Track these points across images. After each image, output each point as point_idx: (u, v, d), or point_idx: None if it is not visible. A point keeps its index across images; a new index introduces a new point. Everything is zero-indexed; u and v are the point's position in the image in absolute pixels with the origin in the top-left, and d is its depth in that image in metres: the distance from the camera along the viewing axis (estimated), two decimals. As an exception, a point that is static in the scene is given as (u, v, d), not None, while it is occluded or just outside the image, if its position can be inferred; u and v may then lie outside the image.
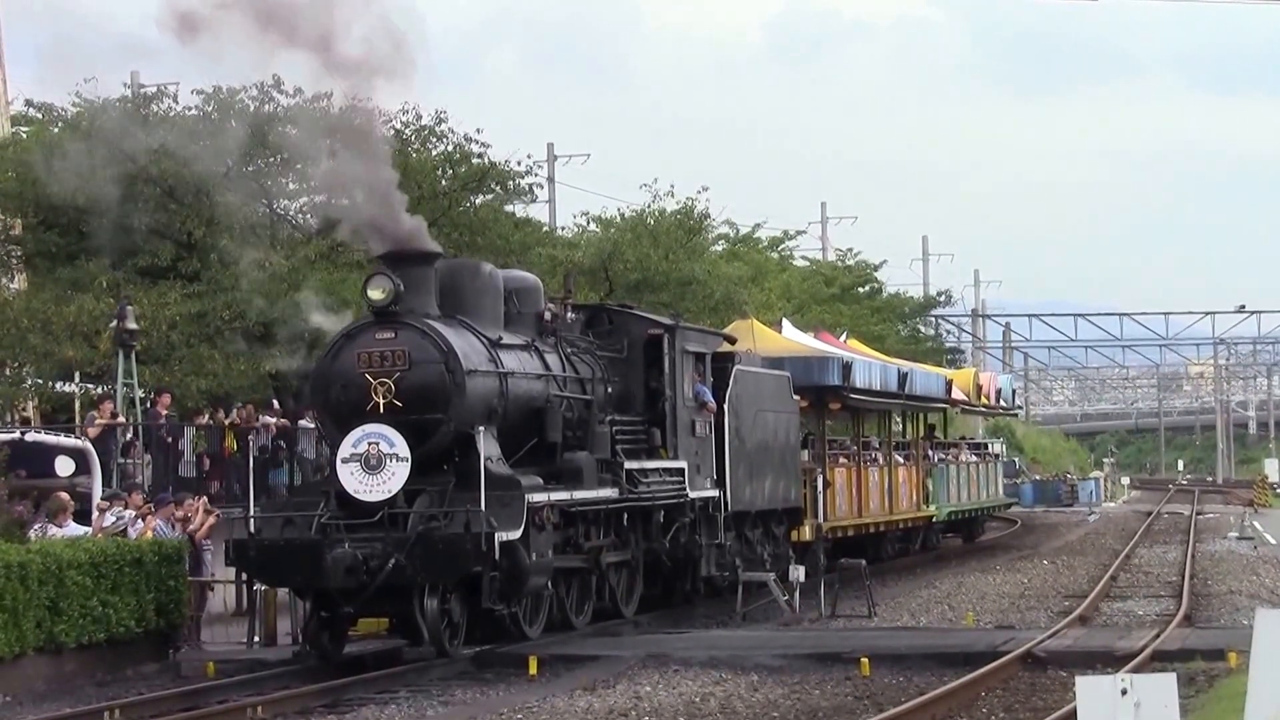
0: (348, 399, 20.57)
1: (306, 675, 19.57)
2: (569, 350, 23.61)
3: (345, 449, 20.03)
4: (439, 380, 20.46)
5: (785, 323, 38.59)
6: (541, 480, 21.29)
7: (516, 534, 19.90)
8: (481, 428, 20.25)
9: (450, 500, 20.07)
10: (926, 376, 40.83)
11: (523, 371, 22.06)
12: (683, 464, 24.83)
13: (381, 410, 20.27)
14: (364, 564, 19.43)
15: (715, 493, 25.81)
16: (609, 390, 24.19)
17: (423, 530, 19.75)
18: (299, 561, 19.87)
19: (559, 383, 22.87)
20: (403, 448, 19.92)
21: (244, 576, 21.75)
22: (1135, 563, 37.13)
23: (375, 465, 19.93)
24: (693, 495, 24.98)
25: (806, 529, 30.36)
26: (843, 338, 42.27)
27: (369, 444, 19.96)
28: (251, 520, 20.80)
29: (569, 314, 24.57)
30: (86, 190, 30.59)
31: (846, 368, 33.46)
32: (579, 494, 21.92)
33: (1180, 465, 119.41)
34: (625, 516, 23.56)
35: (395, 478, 19.92)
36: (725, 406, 26.34)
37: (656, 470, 24.20)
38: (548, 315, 23.44)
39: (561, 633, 22.03)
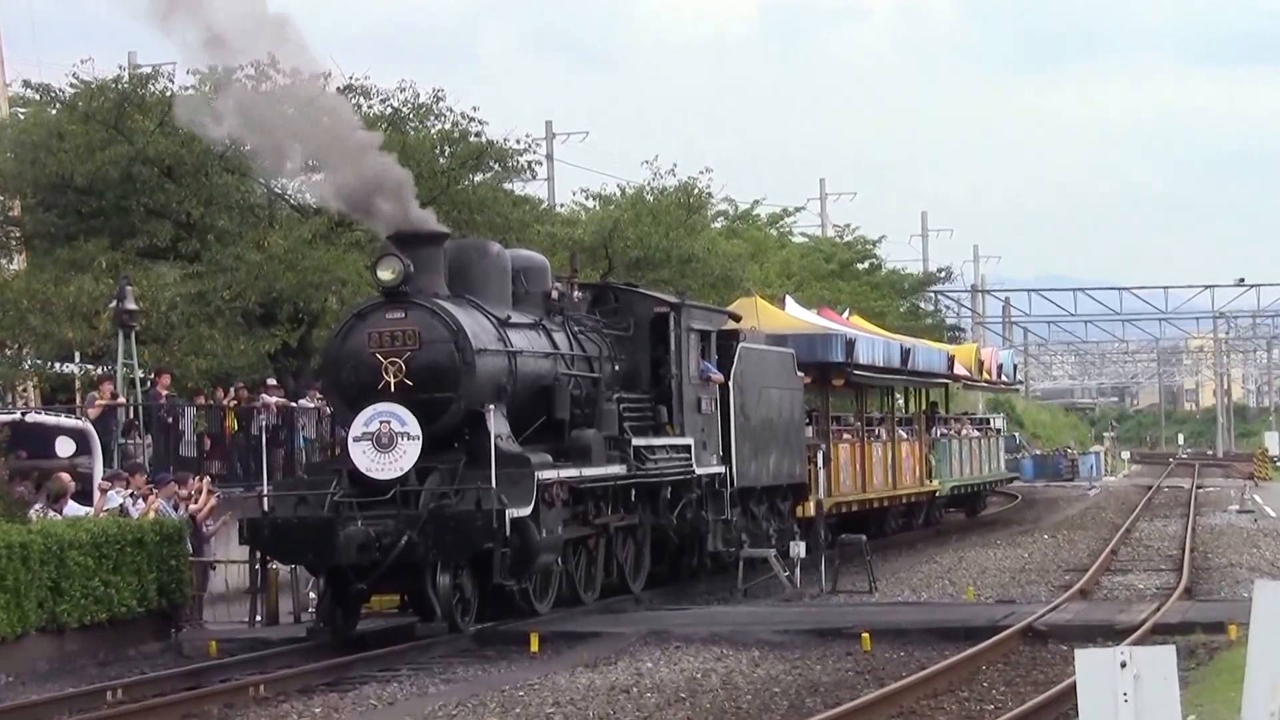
0: (359, 378, 20.73)
1: (309, 654, 19.62)
2: (576, 329, 23.74)
3: (357, 428, 20.20)
4: (449, 359, 20.61)
5: (789, 300, 38.71)
6: (550, 458, 21.43)
7: (527, 511, 20.04)
8: (491, 406, 20.39)
9: (461, 478, 20.24)
10: (929, 352, 40.97)
11: (531, 350, 22.20)
12: (689, 441, 24.95)
13: (392, 389, 20.45)
14: (376, 541, 19.60)
15: (721, 469, 25.97)
16: (616, 368, 24.33)
17: (434, 508, 19.92)
18: (312, 539, 20.04)
19: (566, 361, 23.00)
20: (414, 426, 20.09)
21: (245, 556, 21.80)
22: (1136, 536, 37.17)
23: (387, 444, 20.11)
24: (699, 472, 25.12)
25: (811, 504, 30.48)
26: (845, 314, 42.39)
27: (380, 423, 20.15)
28: (265, 498, 20.96)
29: (575, 293, 24.70)
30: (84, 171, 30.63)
31: (850, 344, 33.57)
32: (588, 471, 22.06)
33: (1180, 439, 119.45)
34: (633, 493, 23.69)
35: (406, 456, 20.10)
36: (730, 383, 26.45)
37: (663, 447, 24.33)
38: (555, 294, 23.58)
39: (571, 608, 22.18)
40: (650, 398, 24.74)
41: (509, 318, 21.95)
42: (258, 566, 21.94)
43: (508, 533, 19.65)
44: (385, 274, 20.68)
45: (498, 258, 22.66)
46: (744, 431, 26.82)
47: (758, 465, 27.40)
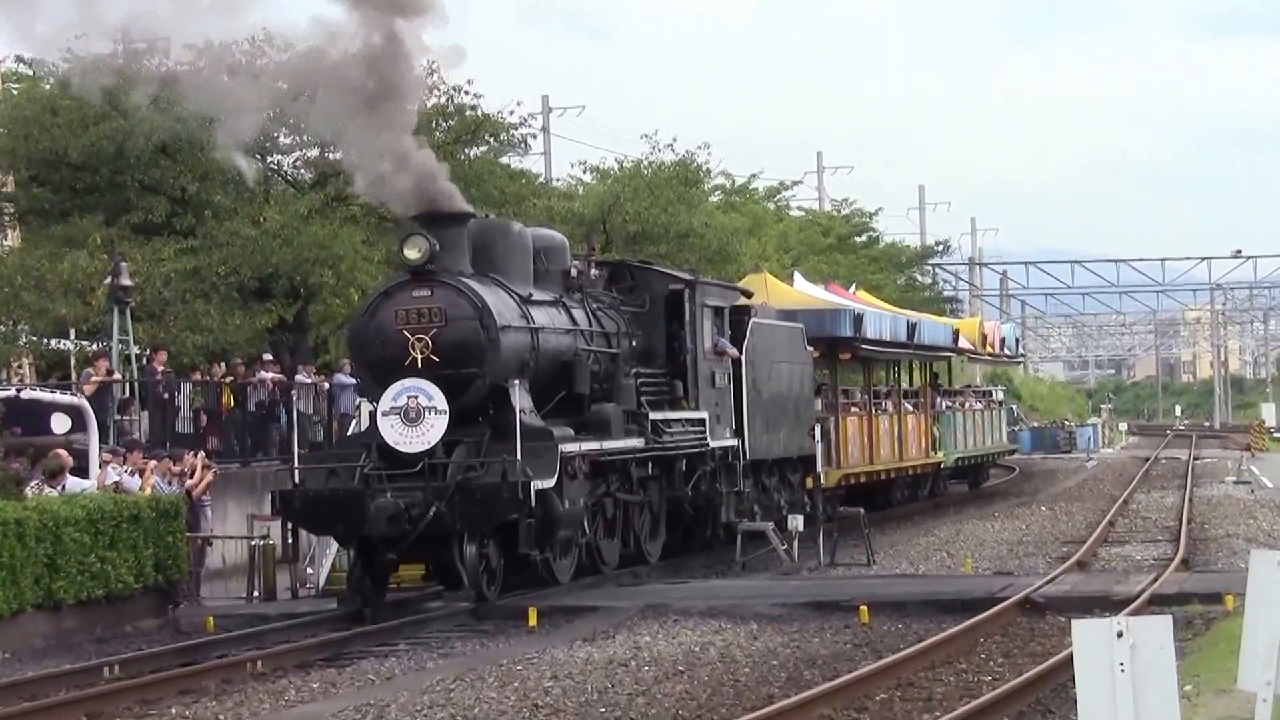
0: (386, 354, 21.18)
1: (305, 629, 19.64)
2: (594, 306, 24.20)
3: (385, 403, 20.67)
4: (474, 336, 21.08)
5: (797, 275, 39.28)
6: (572, 431, 21.92)
7: (551, 483, 20.54)
8: (516, 381, 20.85)
9: (487, 451, 20.77)
10: (934, 326, 41.56)
11: (552, 327, 22.65)
12: (704, 414, 25.38)
13: (419, 365, 20.91)
14: (406, 512, 20.10)
15: (734, 442, 26.40)
16: (633, 344, 24.79)
17: (461, 480, 20.41)
18: (343, 511, 20.54)
19: (586, 337, 23.45)
20: (440, 401, 20.55)
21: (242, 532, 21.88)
22: (1133, 508, 37.18)
23: (414, 418, 20.58)
24: (713, 444, 25.55)
25: (821, 476, 30.90)
26: (852, 289, 42.77)
27: (408, 398, 20.61)
28: (296, 471, 21.42)
29: (593, 270, 25.13)
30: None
31: (858, 319, 34.14)
32: (608, 444, 22.56)
33: (1178, 411, 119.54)
34: (650, 465, 24.12)
35: (434, 430, 20.58)
36: (743, 358, 26.88)
37: (679, 421, 24.77)
38: (573, 272, 24.04)
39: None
40: (666, 372, 25.23)
41: (531, 295, 22.44)
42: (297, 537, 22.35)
43: (532, 504, 20.15)
44: (412, 253, 21.12)
45: (519, 236, 23.16)
46: (756, 405, 27.29)
47: (769, 438, 27.87)
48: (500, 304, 21.48)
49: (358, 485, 20.59)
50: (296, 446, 22.08)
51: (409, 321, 21.04)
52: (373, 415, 21.19)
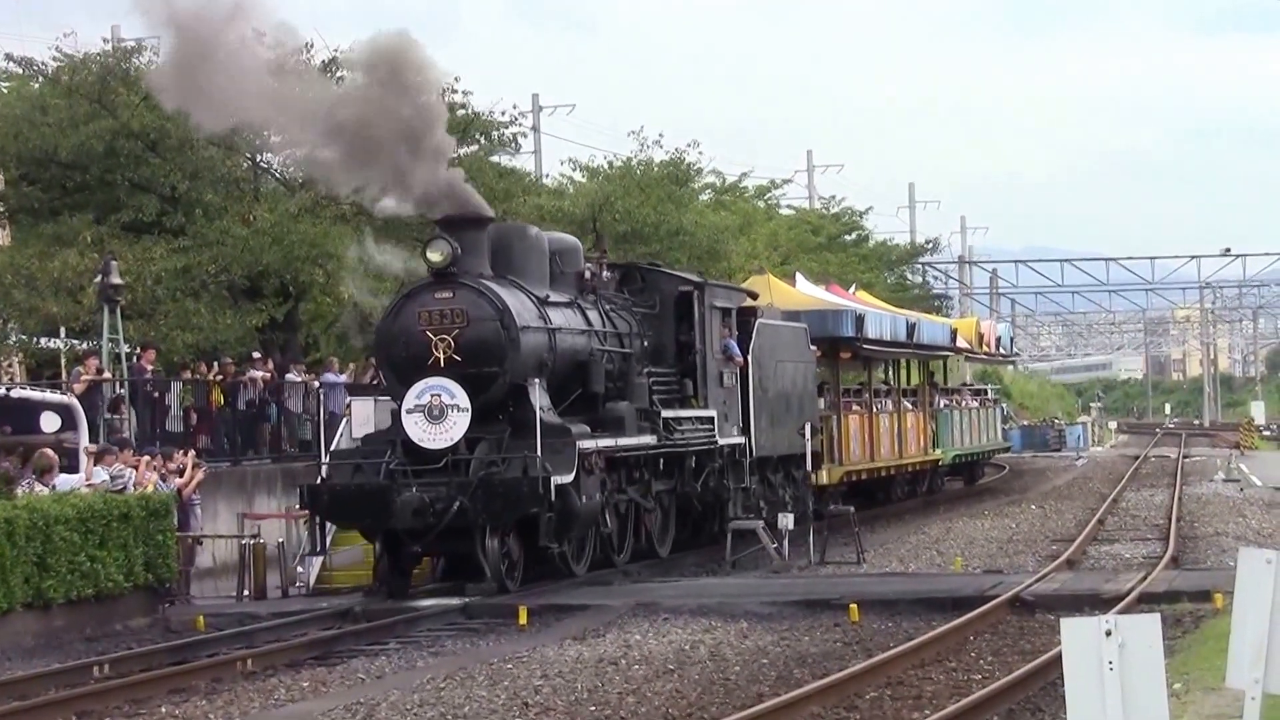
0: (410, 354, 21.79)
1: (296, 628, 19.63)
2: (607, 307, 24.75)
3: (409, 401, 21.31)
4: (495, 336, 21.71)
5: (799, 276, 39.76)
6: (588, 428, 22.46)
7: (569, 478, 21.16)
8: (535, 380, 21.47)
9: (507, 447, 21.41)
10: (933, 326, 42.24)
11: (569, 327, 23.22)
12: (713, 413, 25.88)
13: (442, 364, 21.55)
14: (430, 506, 20.78)
15: (741, 439, 26.92)
16: (645, 344, 25.36)
17: (484, 475, 21.11)
18: (369, 505, 21.26)
19: (600, 337, 24.01)
20: (463, 399, 21.20)
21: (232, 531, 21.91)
22: (1122, 506, 37.22)
23: (438, 415, 21.26)
24: (721, 442, 26.05)
25: (825, 473, 31.17)
26: (852, 290, 43.10)
27: (431, 396, 21.27)
28: (324, 467, 22.06)
29: (605, 273, 25.67)
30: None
31: (860, 320, 34.65)
32: (622, 441, 23.14)
33: (1167, 409, 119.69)
34: (661, 462, 24.58)
35: (457, 427, 21.28)
36: (749, 358, 27.39)
37: (689, 419, 25.23)
38: (587, 274, 24.60)
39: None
40: (676, 372, 25.81)
41: (548, 297, 23.01)
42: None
43: (552, 498, 20.79)
44: (434, 256, 21.74)
45: (536, 240, 23.77)
46: (762, 404, 27.80)
47: (775, 435, 28.31)
48: (520, 305, 22.06)
49: (383, 480, 21.22)
50: (324, 443, 22.56)
51: (432, 322, 21.66)
52: (395, 413, 21.77)
